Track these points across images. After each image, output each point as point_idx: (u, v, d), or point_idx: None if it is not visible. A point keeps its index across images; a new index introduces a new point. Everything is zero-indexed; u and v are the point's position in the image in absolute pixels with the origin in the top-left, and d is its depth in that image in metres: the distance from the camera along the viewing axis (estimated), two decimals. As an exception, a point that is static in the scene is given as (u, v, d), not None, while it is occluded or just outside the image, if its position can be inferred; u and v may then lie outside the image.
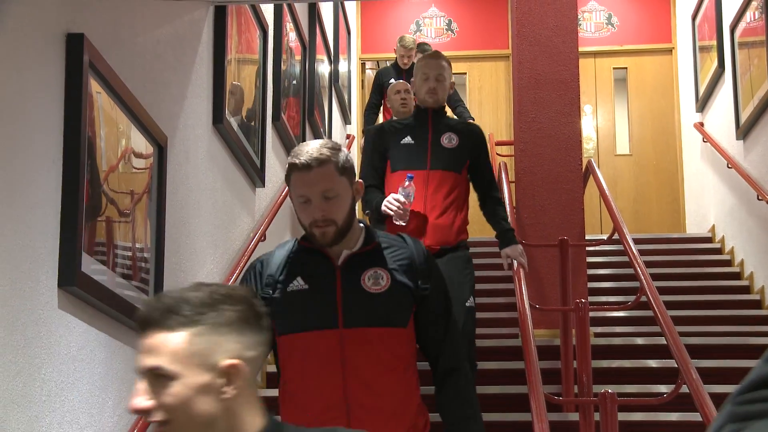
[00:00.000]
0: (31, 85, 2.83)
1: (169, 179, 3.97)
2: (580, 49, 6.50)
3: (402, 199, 3.98)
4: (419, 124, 4.33)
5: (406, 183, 4.00)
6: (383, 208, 4.03)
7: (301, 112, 6.95)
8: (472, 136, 4.34)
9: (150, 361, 1.47)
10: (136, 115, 3.54)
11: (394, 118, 5.98)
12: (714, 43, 7.93)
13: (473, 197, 4.44)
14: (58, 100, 2.99)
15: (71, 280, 2.96)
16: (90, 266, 3.09)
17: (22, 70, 2.78)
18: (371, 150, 4.33)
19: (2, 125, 2.66)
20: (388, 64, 8.80)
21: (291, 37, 6.55)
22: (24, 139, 2.77)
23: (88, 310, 3.17)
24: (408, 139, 4.27)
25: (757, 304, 6.74)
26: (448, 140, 4.27)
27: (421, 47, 7.88)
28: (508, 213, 5.87)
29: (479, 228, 9.92)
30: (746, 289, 7.00)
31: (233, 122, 4.94)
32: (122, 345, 3.46)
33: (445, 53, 10.06)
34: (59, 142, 2.98)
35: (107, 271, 3.25)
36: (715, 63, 7.88)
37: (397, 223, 3.98)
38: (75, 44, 3.04)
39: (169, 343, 1.46)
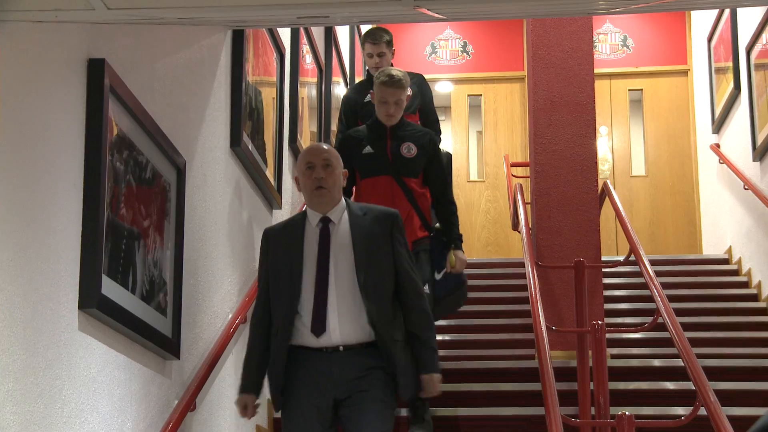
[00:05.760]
0: (53, 110, 2.87)
1: (188, 201, 4.00)
2: (596, 70, 6.52)
3: None
4: None
5: None
6: None
7: (317, 134, 6.99)
8: None
9: None
10: (155, 139, 3.58)
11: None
12: (730, 64, 7.94)
13: None
14: (79, 124, 3.03)
15: (91, 302, 2.98)
16: (110, 288, 3.12)
17: (44, 94, 2.82)
18: None
19: (24, 149, 2.70)
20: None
21: (307, 59, 6.60)
22: (45, 163, 2.81)
23: (108, 332, 3.20)
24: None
25: (775, 326, 6.72)
26: None
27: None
28: (524, 235, 5.88)
29: (494, 249, 9.93)
30: (763, 311, 6.98)
31: (250, 145, 4.98)
32: (141, 367, 3.49)
33: (461, 75, 10.13)
34: (80, 166, 3.02)
35: (127, 293, 3.28)
36: (731, 84, 7.89)
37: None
38: (96, 69, 3.08)
39: None
